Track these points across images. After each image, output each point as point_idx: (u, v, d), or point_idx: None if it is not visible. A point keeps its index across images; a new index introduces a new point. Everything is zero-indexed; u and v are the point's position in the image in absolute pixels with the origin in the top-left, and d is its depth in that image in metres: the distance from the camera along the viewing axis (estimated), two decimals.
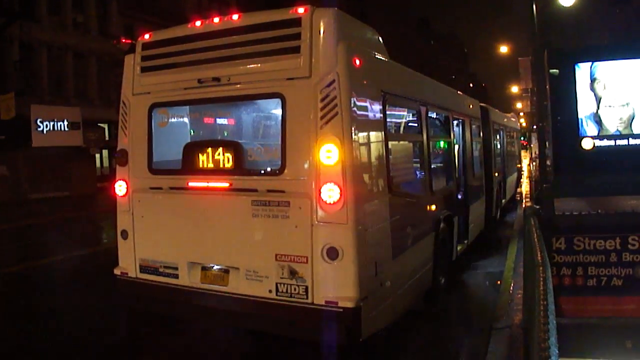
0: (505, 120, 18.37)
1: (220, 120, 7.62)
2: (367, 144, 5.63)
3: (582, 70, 9.25)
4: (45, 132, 29.47)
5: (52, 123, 29.78)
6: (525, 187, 24.76)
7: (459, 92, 11.73)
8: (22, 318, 7.98)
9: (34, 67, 31.07)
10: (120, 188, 6.45)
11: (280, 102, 5.47)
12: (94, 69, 34.97)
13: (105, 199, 29.42)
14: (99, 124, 34.20)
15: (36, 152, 29.56)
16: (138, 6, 37.12)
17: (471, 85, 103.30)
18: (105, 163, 36.95)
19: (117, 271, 6.55)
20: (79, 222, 20.29)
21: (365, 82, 5.68)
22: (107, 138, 34.74)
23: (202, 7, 41.27)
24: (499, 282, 9.12)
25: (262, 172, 5.83)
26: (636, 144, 9.07)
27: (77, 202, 27.09)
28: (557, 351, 2.73)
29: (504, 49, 38.49)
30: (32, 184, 29.29)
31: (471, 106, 11.99)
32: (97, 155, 35.24)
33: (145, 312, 7.35)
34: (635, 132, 9.11)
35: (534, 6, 10.76)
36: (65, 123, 30.40)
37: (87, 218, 21.47)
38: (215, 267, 5.87)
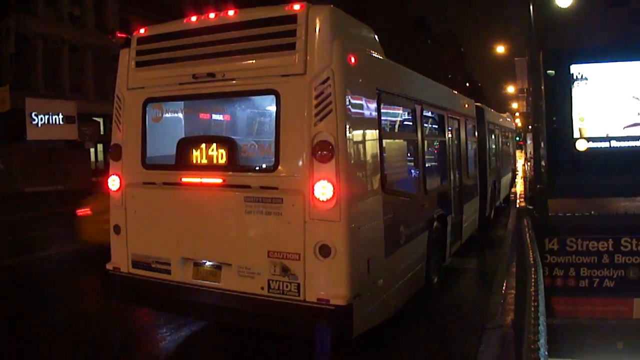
0: (500, 120, 18.40)
1: (214, 116, 7.61)
2: (361, 142, 5.63)
3: (578, 72, 9.28)
4: (40, 125, 29.42)
5: (47, 116, 29.72)
6: (519, 187, 24.80)
7: (454, 91, 11.72)
8: (14, 313, 7.94)
9: (29, 60, 30.97)
10: (113, 183, 6.43)
11: (274, 98, 5.46)
12: (89, 63, 34.89)
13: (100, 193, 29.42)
14: (94, 118, 34.12)
15: (31, 146, 29.48)
16: (135, 0, 37.01)
17: (467, 84, 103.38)
18: (100, 157, 36.80)
19: (109, 266, 6.53)
20: (72, 216, 20.16)
21: (360, 79, 5.68)
22: (102, 132, 34.64)
23: (199, 2, 41.21)
24: (491, 282, 9.12)
25: (256, 168, 5.85)
26: (630, 146, 9.11)
27: (71, 196, 26.98)
28: (546, 353, 2.73)
29: (500, 49, 38.52)
30: (26, 177, 29.16)
31: (467, 105, 12.00)
32: (92, 149, 35.13)
33: (137, 307, 7.35)
34: (629, 134, 9.15)
35: (531, 7, 10.75)
36: (60, 116, 30.34)
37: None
38: (208, 263, 5.87)
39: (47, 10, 32.24)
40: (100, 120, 34.80)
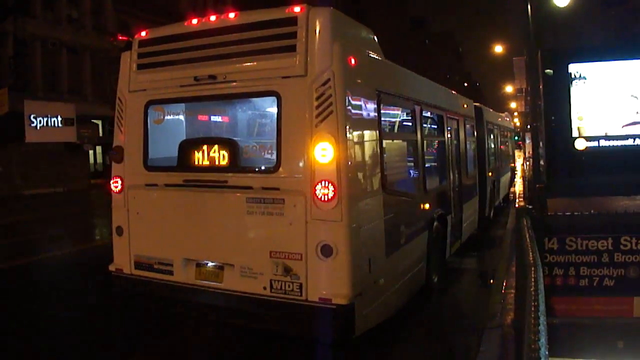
0: (499, 119, 18.43)
1: (216, 118, 7.64)
2: (362, 142, 5.68)
3: (576, 71, 9.29)
4: (38, 127, 29.36)
5: (45, 119, 29.66)
6: (518, 187, 24.81)
7: (453, 91, 11.75)
8: (12, 316, 7.94)
9: (28, 63, 30.92)
10: (115, 185, 6.49)
11: (275, 100, 5.51)
12: (88, 65, 34.84)
13: (98, 195, 29.46)
14: (92, 120, 34.10)
15: (29, 148, 29.45)
16: (133, 2, 37.00)
17: (465, 84, 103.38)
18: (99, 159, 36.85)
19: (112, 268, 6.59)
20: (71, 219, 20.18)
21: (360, 81, 5.72)
22: (100, 134, 34.64)
23: (197, 4, 41.16)
24: (491, 282, 9.14)
25: (257, 169, 5.86)
26: (629, 145, 9.12)
27: (69, 198, 27.01)
28: (547, 352, 2.75)
29: (498, 49, 38.51)
30: (25, 179, 29.17)
31: (465, 106, 12.04)
32: (91, 152, 35.12)
33: (139, 308, 7.37)
34: (628, 133, 9.16)
35: (529, 6, 10.77)
36: (59, 119, 30.28)
37: (79, 214, 21.38)
38: (210, 263, 5.91)
39: (46, 13, 32.18)
40: (99, 122, 34.79)
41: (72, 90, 33.72)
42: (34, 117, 29.24)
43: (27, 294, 9.17)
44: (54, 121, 30.09)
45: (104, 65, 34.13)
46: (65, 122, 30.50)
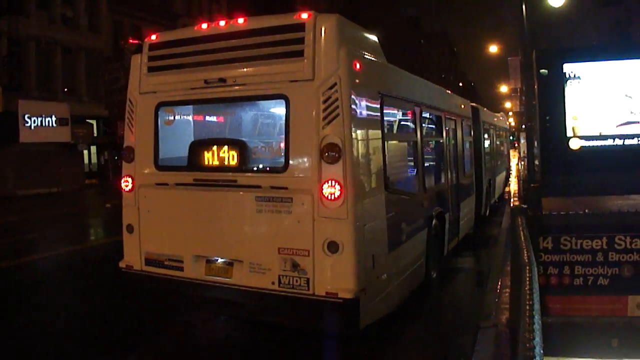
0: (494, 119, 18.54)
1: (225, 120, 7.79)
2: (366, 143, 5.86)
3: (570, 71, 9.31)
4: (32, 127, 29.37)
5: (40, 119, 29.68)
6: (513, 186, 24.90)
7: (449, 92, 11.83)
8: (10, 316, 7.92)
9: (22, 63, 30.84)
10: (126, 184, 6.63)
11: (284, 103, 5.68)
12: (82, 65, 34.77)
13: (93, 195, 29.39)
14: (87, 120, 34.06)
15: (23, 148, 29.42)
16: (128, 2, 36.93)
17: (460, 84, 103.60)
18: (94, 159, 36.76)
19: (122, 264, 6.73)
20: (65, 219, 20.13)
21: (364, 84, 5.90)
22: (95, 134, 34.57)
23: (192, 5, 41.06)
24: (486, 281, 9.16)
25: (266, 169, 6.05)
26: (623, 145, 9.15)
27: (64, 198, 26.95)
28: (542, 351, 2.76)
29: (493, 49, 38.58)
30: (19, 180, 29.12)
31: (463, 106, 12.19)
32: (85, 152, 35.05)
33: (139, 307, 7.40)
34: (622, 132, 9.19)
35: (524, 6, 10.79)
36: (53, 119, 30.29)
37: (74, 214, 21.32)
38: (220, 260, 6.08)
39: (40, 12, 32.09)
40: (94, 122, 34.72)
41: (67, 90, 33.65)
42: (28, 117, 29.24)
43: (27, 293, 9.18)
44: (48, 121, 30.11)
45: (99, 65, 34.08)
46: (60, 122, 30.51)
